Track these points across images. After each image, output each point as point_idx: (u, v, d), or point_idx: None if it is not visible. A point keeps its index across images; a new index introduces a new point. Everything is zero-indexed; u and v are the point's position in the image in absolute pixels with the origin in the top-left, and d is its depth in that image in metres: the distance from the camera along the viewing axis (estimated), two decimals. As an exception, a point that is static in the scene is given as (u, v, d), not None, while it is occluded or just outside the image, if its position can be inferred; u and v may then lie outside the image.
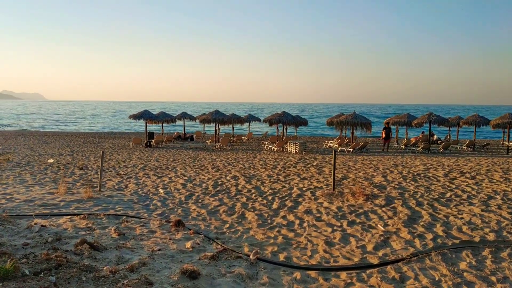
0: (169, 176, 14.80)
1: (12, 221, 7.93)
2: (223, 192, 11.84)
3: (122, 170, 16.09)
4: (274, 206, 10.17)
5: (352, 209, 9.68)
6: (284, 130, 33.25)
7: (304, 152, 25.61)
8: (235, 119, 34.24)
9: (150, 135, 32.59)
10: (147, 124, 33.05)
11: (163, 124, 37.26)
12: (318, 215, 9.27)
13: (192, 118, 37.86)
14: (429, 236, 7.64)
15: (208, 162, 19.51)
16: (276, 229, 8.26)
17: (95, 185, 12.18)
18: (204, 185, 12.90)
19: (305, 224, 8.60)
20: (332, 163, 11.54)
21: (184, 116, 37.79)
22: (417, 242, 7.33)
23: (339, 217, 9.09)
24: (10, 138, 35.27)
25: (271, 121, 32.38)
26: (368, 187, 11.86)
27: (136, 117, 32.00)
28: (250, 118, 39.31)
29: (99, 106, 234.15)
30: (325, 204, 10.20)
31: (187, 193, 11.55)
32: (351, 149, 26.83)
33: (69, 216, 8.52)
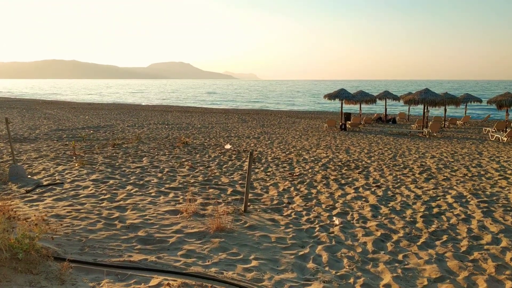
0: (356, 184, 9.81)
1: (66, 281, 4.37)
2: (445, 237, 6.26)
3: (298, 167, 11.85)
4: None
5: None
6: (517, 115, 24.13)
7: (555, 148, 17.12)
8: (448, 99, 26.47)
9: (347, 116, 27.73)
10: (343, 105, 28.27)
11: (361, 105, 31.86)
12: None
13: (395, 98, 31.44)
14: None
15: (413, 158, 13.71)
16: None
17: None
18: (408, 212, 7.53)
19: None
20: None
21: (386, 95, 31.64)
22: None
23: None
24: (214, 116, 35.18)
25: (499, 102, 23.72)
26: None
27: (331, 96, 27.51)
28: (468, 98, 30.59)
29: (305, 84, 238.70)
30: None
31: (379, 233, 6.40)
32: None
33: (158, 279, 4.53)
